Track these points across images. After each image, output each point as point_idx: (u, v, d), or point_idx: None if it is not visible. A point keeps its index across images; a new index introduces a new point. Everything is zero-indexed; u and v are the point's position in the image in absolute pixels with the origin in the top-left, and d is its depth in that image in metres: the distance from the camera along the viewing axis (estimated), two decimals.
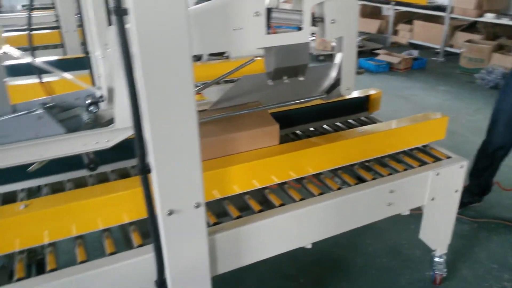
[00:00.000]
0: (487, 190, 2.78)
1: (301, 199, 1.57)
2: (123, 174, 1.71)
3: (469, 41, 5.91)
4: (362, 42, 6.81)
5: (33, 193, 1.63)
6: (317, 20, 1.64)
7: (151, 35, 0.99)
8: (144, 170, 1.11)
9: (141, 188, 1.36)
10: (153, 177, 1.12)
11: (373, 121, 2.21)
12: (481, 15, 5.92)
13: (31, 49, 2.30)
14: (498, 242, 2.49)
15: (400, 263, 2.31)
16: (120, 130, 1.42)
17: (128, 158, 1.74)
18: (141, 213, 1.41)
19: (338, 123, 2.20)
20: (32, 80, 2.61)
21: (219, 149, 1.59)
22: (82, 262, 1.27)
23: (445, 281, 2.15)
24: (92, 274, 1.23)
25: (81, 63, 2.91)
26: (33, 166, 1.42)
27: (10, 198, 1.57)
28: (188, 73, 1.06)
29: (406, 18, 7.22)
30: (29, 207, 1.27)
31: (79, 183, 1.65)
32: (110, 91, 1.47)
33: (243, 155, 1.61)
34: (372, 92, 2.27)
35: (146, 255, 1.29)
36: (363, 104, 2.27)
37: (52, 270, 1.24)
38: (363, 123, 2.20)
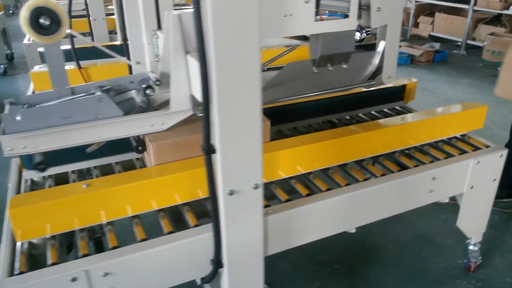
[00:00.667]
0: None
1: (346, 184, 1.60)
2: None
3: (492, 34, 5.85)
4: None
5: (83, 175, 1.69)
6: (362, 8, 1.65)
7: (225, 18, 1.02)
8: (209, 151, 1.14)
9: (194, 171, 1.42)
10: (217, 157, 1.16)
11: (408, 111, 2.23)
12: (506, 8, 5.85)
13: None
14: None
15: (432, 251, 2.33)
16: (175, 113, 1.46)
17: None
18: (194, 195, 1.46)
19: (373, 112, 2.22)
20: (68, 66, 2.68)
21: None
22: (142, 240, 1.32)
23: (478, 269, 2.17)
24: (153, 252, 1.27)
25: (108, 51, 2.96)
26: (91, 147, 1.46)
27: (63, 179, 1.62)
28: (256, 56, 1.09)
29: (428, 11, 7.16)
30: (91, 186, 1.32)
31: (127, 166, 1.70)
32: (162, 75, 1.51)
33: (287, 141, 1.64)
34: (407, 81, 2.28)
35: (203, 235, 1.33)
36: (399, 94, 2.28)
37: (114, 248, 1.28)
38: (399, 113, 2.21)
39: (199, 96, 1.38)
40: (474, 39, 6.38)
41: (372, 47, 5.97)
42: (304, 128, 2.06)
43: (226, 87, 1.09)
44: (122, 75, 1.57)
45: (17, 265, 1.23)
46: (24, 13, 1.19)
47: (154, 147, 1.48)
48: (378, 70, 1.88)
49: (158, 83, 1.45)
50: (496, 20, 6.33)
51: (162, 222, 1.41)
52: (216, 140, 1.14)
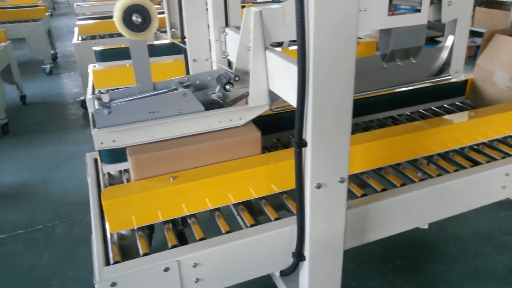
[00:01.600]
0: None
1: (421, 180, 1.59)
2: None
3: None
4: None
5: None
6: (433, 1, 1.64)
7: (327, 16, 1.03)
8: (301, 144, 1.16)
9: (270, 166, 1.44)
10: (308, 151, 1.17)
11: (471, 106, 2.19)
12: None
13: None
14: None
15: (494, 249, 2.28)
16: (253, 109, 1.49)
17: None
18: (270, 189, 1.48)
19: (434, 108, 2.19)
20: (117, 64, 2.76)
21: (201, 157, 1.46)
22: (226, 232, 1.35)
23: None
24: (238, 244, 1.30)
25: (157, 50, 3.03)
26: None
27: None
28: (352, 50, 1.11)
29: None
30: (177, 180, 1.36)
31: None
32: (236, 71, 1.53)
33: (356, 137, 1.64)
34: (469, 77, 2.25)
35: (285, 228, 1.35)
36: (461, 89, 2.24)
37: (201, 239, 1.32)
38: (460, 109, 2.18)
39: (278, 91, 1.40)
40: None
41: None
42: (365, 124, 2.06)
43: (321, 83, 1.10)
44: (178, 74, 1.60)
45: (111, 255, 1.28)
46: (117, 13, 1.24)
47: (134, 161, 1.35)
48: (445, 65, 1.86)
49: (237, 78, 1.47)
50: None
51: (243, 215, 1.43)
52: (308, 134, 1.15)
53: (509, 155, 1.77)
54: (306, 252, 1.34)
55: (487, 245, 2.32)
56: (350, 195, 1.54)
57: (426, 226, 1.64)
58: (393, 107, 2.16)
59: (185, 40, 1.97)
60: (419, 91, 2.16)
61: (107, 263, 1.25)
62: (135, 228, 1.36)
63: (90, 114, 1.42)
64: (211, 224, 1.44)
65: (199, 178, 1.36)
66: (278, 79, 1.37)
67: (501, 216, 2.54)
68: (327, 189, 1.24)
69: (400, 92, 2.12)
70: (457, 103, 2.25)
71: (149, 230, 1.75)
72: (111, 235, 1.36)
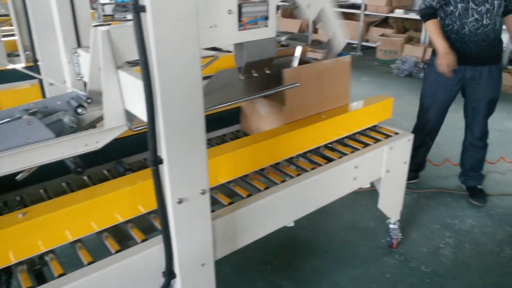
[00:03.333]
0: (422, 167, 3.13)
1: (283, 181, 1.70)
2: (101, 178, 1.72)
3: (382, 35, 6.47)
4: (286, 41, 7.11)
5: (19, 202, 1.58)
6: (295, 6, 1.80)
7: (166, 32, 1.06)
8: (156, 162, 1.16)
9: (133, 187, 1.41)
10: (165, 168, 1.18)
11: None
12: (391, 11, 6.52)
13: None
14: (436, 206, 2.83)
15: (358, 235, 2.54)
16: (109, 130, 1.44)
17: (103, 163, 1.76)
18: (136, 211, 1.45)
19: None
20: None
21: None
22: (89, 263, 1.28)
23: (399, 245, 2.42)
24: (103, 273, 1.25)
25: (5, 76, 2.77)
26: (21, 174, 1.38)
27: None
28: (197, 66, 1.15)
29: None
30: (27, 215, 1.25)
31: (59, 191, 1.63)
32: (91, 93, 1.48)
33: (222, 147, 1.70)
34: None
35: (152, 248, 1.33)
36: None
37: (60, 275, 1.24)
38: None
39: (134, 110, 1.39)
40: (367, 41, 7.00)
41: None
42: (232, 135, 2.14)
43: (169, 99, 1.12)
44: (33, 99, 1.49)
45: None
46: None
47: None
48: None
49: (89, 100, 1.42)
50: (384, 22, 7.02)
51: (107, 242, 1.38)
52: (163, 150, 1.16)
53: (357, 149, 1.99)
54: (176, 269, 1.33)
55: (352, 233, 2.57)
56: (219, 205, 1.58)
57: (292, 224, 1.76)
58: None
59: (38, 63, 1.83)
60: None
61: None
62: None
63: None
64: (74, 259, 1.36)
65: (54, 209, 1.27)
66: (132, 98, 1.35)
67: (362, 204, 2.84)
68: (189, 203, 1.26)
69: None
70: None
71: (6, 276, 1.58)
72: None
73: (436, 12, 2.61)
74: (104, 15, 7.00)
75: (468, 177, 2.97)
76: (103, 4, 7.43)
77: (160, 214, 1.24)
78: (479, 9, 2.46)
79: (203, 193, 1.28)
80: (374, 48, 6.63)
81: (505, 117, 4.40)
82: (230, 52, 3.10)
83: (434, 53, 2.74)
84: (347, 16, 7.31)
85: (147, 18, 1.04)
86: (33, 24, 1.76)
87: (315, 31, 7.75)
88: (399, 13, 6.45)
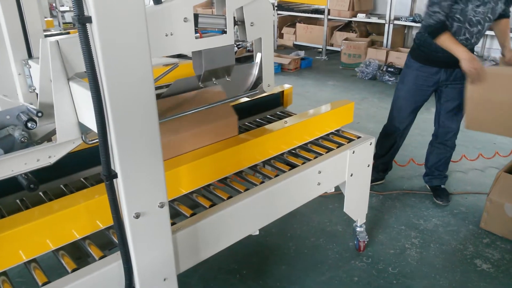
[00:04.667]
0: (389, 168, 3.18)
1: (246, 190, 1.68)
2: (57, 194, 1.65)
3: (346, 39, 6.59)
4: (251, 47, 7.14)
5: None
6: (238, 23, 1.77)
7: (114, 42, 1.02)
8: (110, 176, 1.12)
9: (89, 202, 1.36)
10: (119, 182, 1.14)
11: (288, 114, 2.41)
12: (354, 16, 6.65)
13: None
14: (401, 207, 2.88)
15: (326, 239, 2.55)
16: (62, 144, 1.39)
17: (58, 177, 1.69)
18: (94, 226, 1.40)
19: (258, 119, 2.36)
20: None
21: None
22: (44, 284, 1.22)
23: (367, 247, 2.44)
24: None
25: None
26: None
27: None
28: (149, 76, 1.11)
29: (289, 22, 7.77)
30: None
31: (13, 208, 1.55)
32: (42, 106, 1.42)
33: (183, 157, 1.66)
34: (285, 87, 2.48)
35: (111, 265, 1.29)
36: (278, 100, 2.46)
37: None
38: (281, 117, 2.38)
39: (88, 123, 1.34)
40: (332, 45, 7.11)
41: (245, 59, 6.27)
42: None
43: (120, 112, 1.08)
44: None
45: None
46: None
47: None
48: (258, 79, 2.01)
49: (40, 114, 1.36)
50: (347, 26, 7.16)
51: (63, 261, 1.32)
52: (117, 164, 1.12)
53: (320, 154, 2.00)
54: (137, 285, 1.29)
55: (320, 237, 2.58)
56: (181, 217, 1.55)
57: (257, 232, 1.74)
58: None
59: None
60: (243, 106, 2.30)
61: None
62: None
63: None
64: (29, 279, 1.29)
65: (7, 229, 1.21)
66: (85, 110, 1.31)
67: (329, 208, 2.86)
68: (147, 217, 1.22)
69: None
70: (278, 112, 2.46)
71: None
72: None
73: (447, 24, 2.47)
74: (64, 23, 6.87)
75: (433, 176, 3.02)
76: (63, 12, 7.29)
77: (117, 230, 1.20)
78: (472, 29, 2.50)
79: (161, 206, 1.25)
80: (338, 52, 6.73)
81: None
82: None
83: (411, 54, 2.76)
84: (311, 21, 7.42)
85: (93, 29, 1.00)
86: None
87: (281, 36, 7.81)
88: (361, 17, 6.59)
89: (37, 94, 1.68)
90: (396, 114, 2.92)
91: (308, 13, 7.30)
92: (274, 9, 7.57)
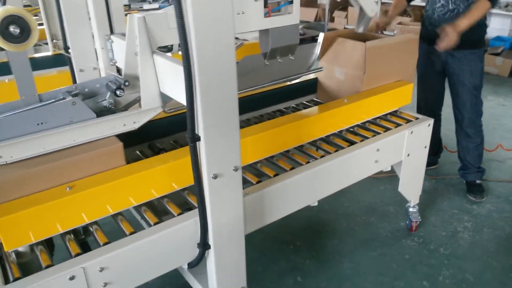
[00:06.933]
0: (440, 150, 3.16)
1: (307, 163, 1.77)
2: (134, 158, 1.81)
3: (400, 23, 6.44)
4: (303, 30, 7.14)
5: None
6: None
7: (205, 16, 1.13)
8: (194, 139, 1.24)
9: (167, 165, 1.49)
10: (202, 145, 1.26)
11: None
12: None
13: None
14: (454, 192, 2.87)
15: (378, 218, 2.60)
16: (146, 111, 1.53)
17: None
18: (170, 187, 1.54)
19: (305, 102, 2.41)
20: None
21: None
22: (131, 233, 1.38)
23: (418, 228, 2.47)
24: (144, 242, 1.34)
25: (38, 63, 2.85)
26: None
27: None
28: (232, 50, 1.22)
29: (341, 5, 7.67)
30: (74, 189, 1.35)
31: None
32: (126, 77, 1.56)
33: (248, 129, 1.77)
34: None
35: (188, 221, 1.42)
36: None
37: (106, 244, 1.33)
38: (317, 104, 2.40)
39: (169, 92, 1.47)
40: (385, 29, 6.96)
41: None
42: (256, 119, 2.21)
43: (207, 81, 1.20)
44: (64, 86, 1.57)
45: (9, 273, 1.23)
46: None
47: None
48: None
49: (127, 83, 1.51)
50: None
51: (146, 215, 1.47)
52: (200, 129, 1.24)
53: (378, 133, 2.05)
54: (211, 241, 1.42)
55: (371, 216, 2.63)
56: (248, 184, 1.66)
57: (316, 203, 1.83)
58: (278, 101, 2.34)
59: (69, 50, 1.93)
60: (278, 91, 2.33)
61: (6, 281, 1.20)
62: (34, 243, 1.32)
63: None
64: (115, 230, 1.45)
65: (97, 184, 1.37)
66: (168, 81, 1.43)
67: (381, 189, 2.90)
68: (223, 178, 1.34)
69: (279, 89, 2.29)
70: (314, 99, 2.47)
71: (49, 248, 1.69)
72: (7, 253, 1.30)
73: None
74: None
75: (466, 171, 2.88)
76: None
77: (197, 189, 1.33)
78: None
79: (236, 169, 1.36)
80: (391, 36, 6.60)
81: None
82: (246, 40, 3.16)
83: (419, 36, 2.74)
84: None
85: (187, 3, 1.11)
86: (64, 14, 1.85)
87: (332, 19, 7.74)
88: (417, 1, 6.40)
89: (117, 67, 1.84)
90: (420, 93, 2.93)
91: None
92: None
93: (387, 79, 2.24)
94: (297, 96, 2.41)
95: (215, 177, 1.32)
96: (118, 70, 1.86)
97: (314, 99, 2.46)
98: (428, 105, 2.92)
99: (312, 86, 2.45)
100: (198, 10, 1.12)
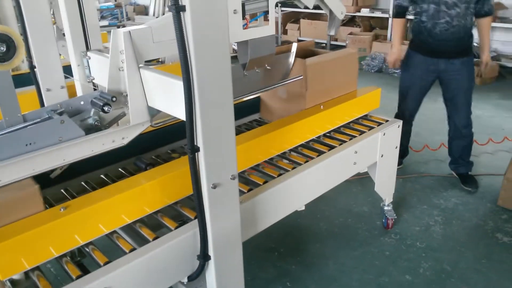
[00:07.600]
0: (406, 153, 3.33)
1: (293, 168, 1.82)
2: (117, 176, 1.78)
3: (351, 33, 6.73)
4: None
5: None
6: None
7: (203, 28, 1.15)
8: (194, 150, 1.25)
9: (161, 178, 1.49)
10: (201, 155, 1.27)
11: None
12: (358, 11, 6.79)
13: None
14: (421, 189, 3.03)
15: (354, 219, 2.69)
16: (134, 126, 1.52)
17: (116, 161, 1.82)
18: (163, 202, 1.53)
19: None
20: None
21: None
22: (131, 251, 1.35)
23: (394, 225, 2.58)
24: (146, 258, 1.32)
25: None
26: (54, 172, 1.44)
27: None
28: (228, 61, 1.25)
29: (293, 18, 7.90)
30: (69, 209, 1.31)
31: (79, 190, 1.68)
32: (110, 93, 1.55)
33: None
34: None
35: (187, 233, 1.42)
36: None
37: (106, 263, 1.30)
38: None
39: (158, 106, 1.47)
40: (336, 40, 7.24)
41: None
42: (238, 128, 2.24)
43: (206, 91, 1.21)
44: (30, 106, 1.52)
45: None
46: None
47: None
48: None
49: (114, 99, 1.49)
50: (351, 21, 7.29)
51: (143, 232, 1.45)
52: (199, 139, 1.25)
53: (354, 136, 2.13)
54: (211, 251, 1.42)
55: (348, 217, 2.72)
56: (240, 193, 1.68)
57: (303, 208, 1.87)
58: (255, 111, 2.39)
59: (35, 70, 1.86)
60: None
61: None
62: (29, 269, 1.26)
63: None
64: (109, 249, 1.42)
65: (91, 203, 1.34)
66: (158, 95, 1.44)
67: (354, 191, 3.00)
68: (222, 187, 1.36)
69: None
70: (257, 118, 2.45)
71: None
72: (3, 283, 1.24)
73: (405, 12, 2.89)
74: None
75: (458, 164, 3.12)
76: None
77: (196, 199, 1.33)
78: (450, 12, 2.65)
79: (233, 178, 1.38)
80: (343, 46, 6.86)
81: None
82: None
83: (410, 46, 2.93)
84: (315, 17, 7.55)
85: (186, 17, 1.13)
86: (29, 33, 1.79)
87: (285, 32, 7.94)
88: (365, 12, 6.74)
89: (93, 83, 1.81)
90: (402, 102, 3.09)
91: (311, 9, 7.42)
92: (277, 6, 7.70)
93: (331, 95, 2.21)
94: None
95: (215, 186, 1.33)
96: (95, 87, 1.83)
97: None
98: (412, 112, 3.09)
99: (255, 106, 2.41)
100: (197, 21, 1.14)
